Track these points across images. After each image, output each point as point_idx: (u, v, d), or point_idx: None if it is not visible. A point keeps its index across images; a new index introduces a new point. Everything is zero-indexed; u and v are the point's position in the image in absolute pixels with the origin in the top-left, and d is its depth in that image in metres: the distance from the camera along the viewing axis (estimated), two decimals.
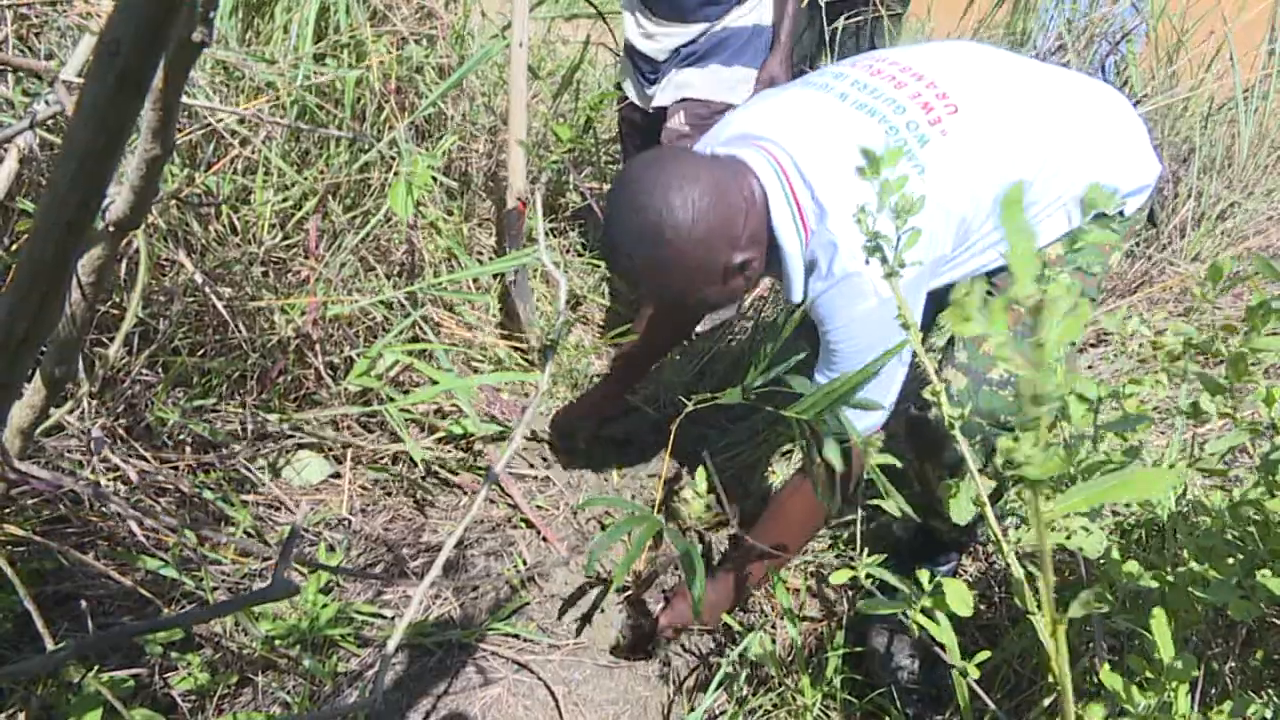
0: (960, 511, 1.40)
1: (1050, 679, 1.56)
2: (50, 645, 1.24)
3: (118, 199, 0.55)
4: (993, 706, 1.34)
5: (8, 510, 1.56)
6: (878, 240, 1.13)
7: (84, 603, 1.36)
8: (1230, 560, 1.27)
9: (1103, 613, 1.35)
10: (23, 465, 0.83)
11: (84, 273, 0.62)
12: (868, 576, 1.47)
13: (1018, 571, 1.04)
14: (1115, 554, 1.32)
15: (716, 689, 1.73)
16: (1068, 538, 1.17)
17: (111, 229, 0.58)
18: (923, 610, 1.29)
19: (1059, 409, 1.16)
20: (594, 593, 1.98)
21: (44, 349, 0.75)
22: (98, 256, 0.62)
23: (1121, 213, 1.78)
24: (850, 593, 2.06)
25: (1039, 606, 1.08)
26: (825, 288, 1.56)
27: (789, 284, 1.64)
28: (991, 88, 1.68)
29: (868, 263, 1.39)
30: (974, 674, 1.32)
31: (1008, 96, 1.68)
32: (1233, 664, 1.46)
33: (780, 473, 2.33)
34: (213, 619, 1.58)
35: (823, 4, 3.35)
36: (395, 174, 1.80)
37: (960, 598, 1.26)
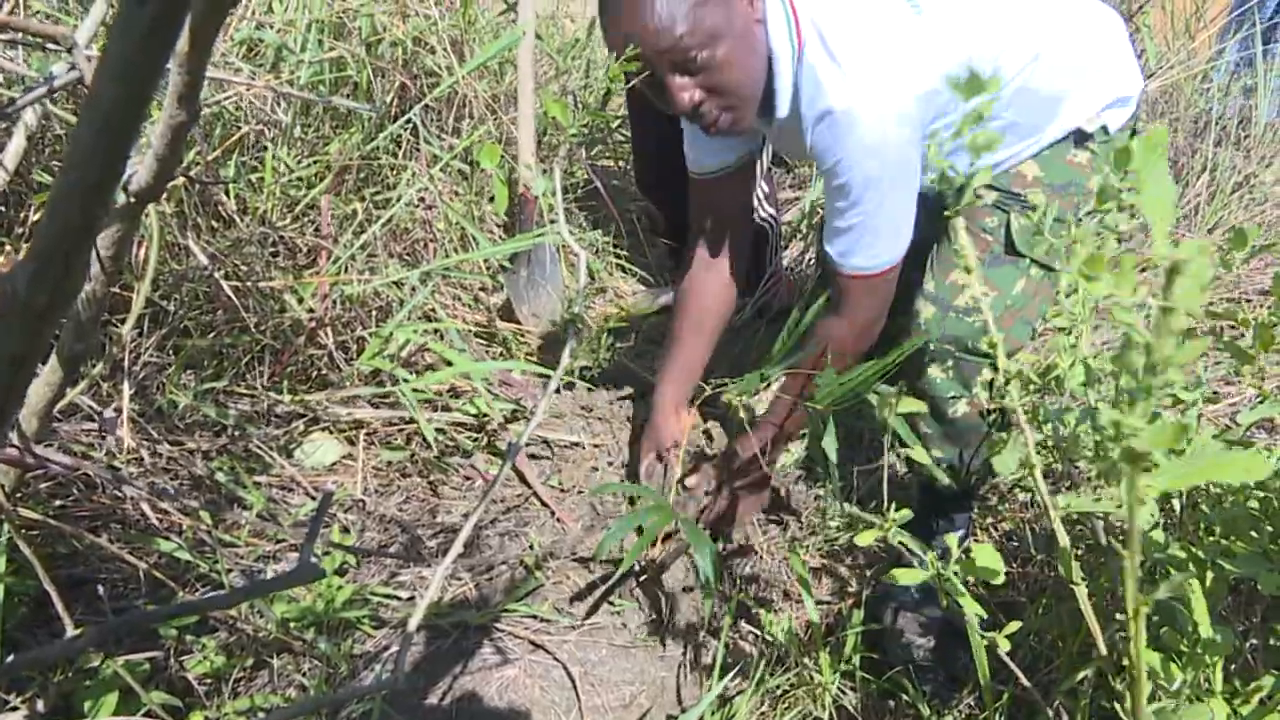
0: (1005, 464, 1.37)
1: (1073, 654, 1.55)
2: (69, 628, 1.23)
3: (140, 169, 0.53)
4: (1025, 682, 1.32)
5: (21, 494, 1.55)
6: None
7: (101, 588, 1.35)
8: (1254, 534, 1.25)
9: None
10: (40, 450, 0.81)
11: (103, 246, 0.60)
12: (895, 536, 1.44)
13: (1064, 540, 1.02)
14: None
15: (734, 670, 1.72)
16: (1118, 506, 1.14)
17: (133, 200, 0.56)
18: (948, 581, 1.26)
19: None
20: (606, 582, 1.96)
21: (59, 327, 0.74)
22: (118, 230, 0.60)
23: (1105, 129, 1.77)
24: (867, 572, 2.05)
25: (1081, 579, 1.07)
26: (822, 116, 1.58)
27: (776, 97, 1.65)
28: None
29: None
30: (1004, 646, 1.29)
31: None
32: (1255, 640, 1.45)
33: (794, 450, 2.31)
34: (238, 604, 1.57)
35: None
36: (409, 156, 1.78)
37: (990, 564, 1.23)
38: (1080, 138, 1.77)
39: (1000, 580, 1.19)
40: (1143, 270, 2.63)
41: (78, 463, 1.06)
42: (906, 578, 1.26)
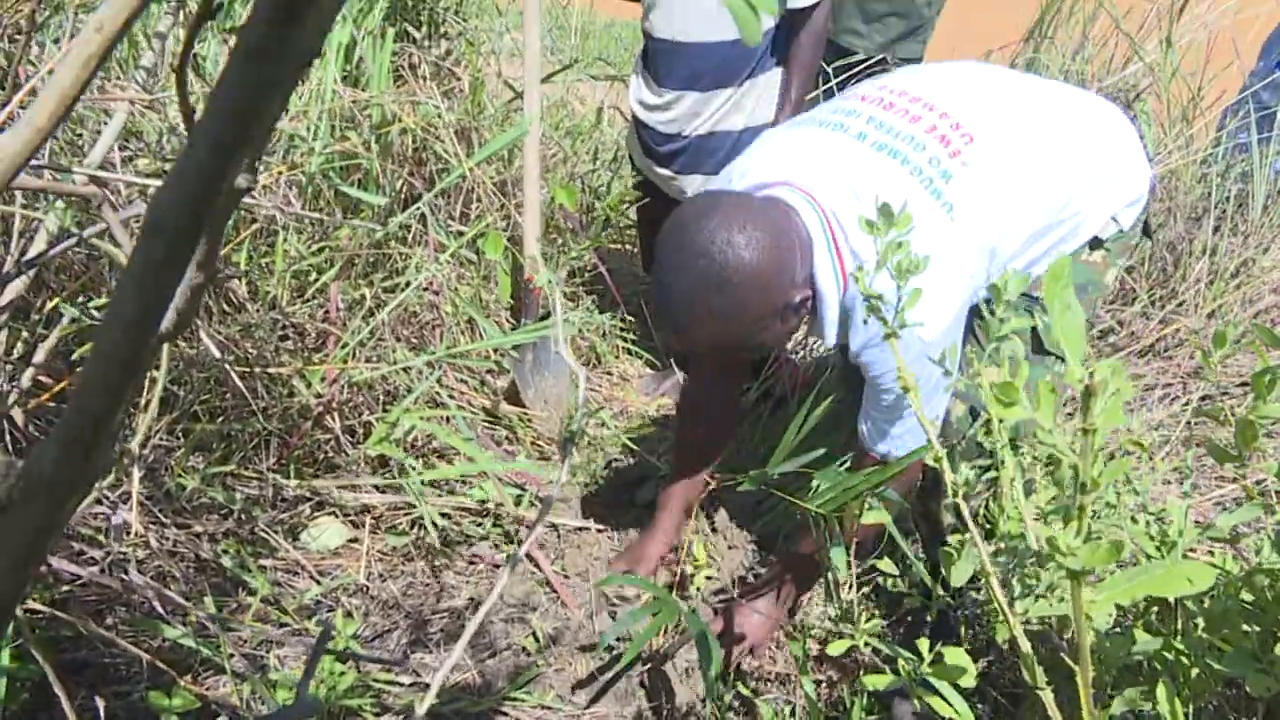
0: (959, 575, 1.38)
1: None
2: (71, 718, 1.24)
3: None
4: None
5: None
6: (877, 300, 1.18)
7: (100, 700, 1.36)
8: (1245, 629, 1.25)
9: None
10: (53, 560, 0.84)
11: None
12: (866, 645, 1.46)
13: (1025, 646, 1.03)
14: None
15: None
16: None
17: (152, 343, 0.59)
18: (924, 682, 1.27)
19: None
20: (608, 671, 1.96)
21: None
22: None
23: (1121, 231, 1.83)
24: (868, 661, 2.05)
25: (1046, 682, 1.07)
26: (872, 339, 1.59)
27: (823, 327, 1.66)
28: (1000, 111, 1.71)
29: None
30: None
31: (1017, 117, 1.71)
32: None
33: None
34: None
35: (832, 74, 3.23)
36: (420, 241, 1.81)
37: (961, 668, 1.23)
38: (1095, 242, 1.83)
39: (971, 681, 1.20)
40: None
41: (90, 575, 1.08)
42: (876, 683, 1.28)
